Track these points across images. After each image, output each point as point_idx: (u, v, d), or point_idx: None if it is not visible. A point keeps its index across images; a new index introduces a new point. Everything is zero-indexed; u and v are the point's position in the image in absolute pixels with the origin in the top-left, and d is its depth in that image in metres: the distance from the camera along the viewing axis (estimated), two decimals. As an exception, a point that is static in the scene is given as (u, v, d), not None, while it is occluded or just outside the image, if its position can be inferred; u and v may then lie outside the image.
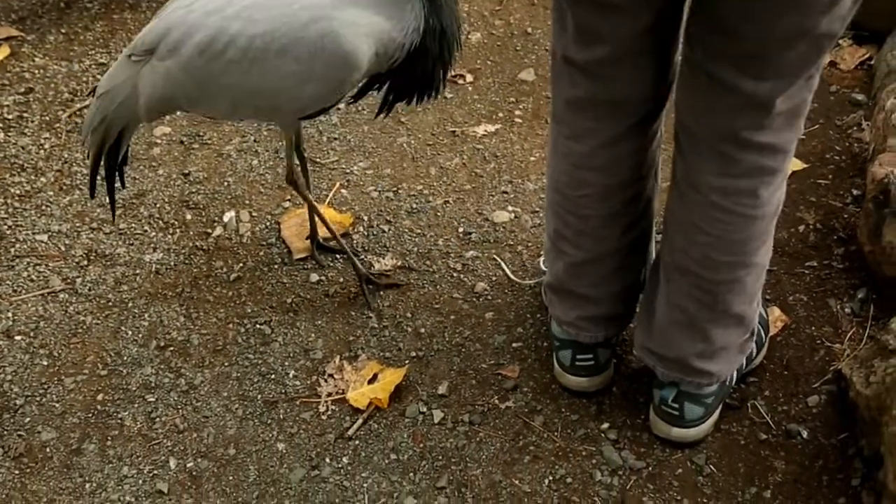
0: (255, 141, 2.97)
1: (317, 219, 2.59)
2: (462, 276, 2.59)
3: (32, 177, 2.90)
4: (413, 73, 2.15)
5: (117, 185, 2.40)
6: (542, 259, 2.50)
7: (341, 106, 3.04)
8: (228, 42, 2.09)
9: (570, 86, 1.99)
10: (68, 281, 2.61)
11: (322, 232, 2.66)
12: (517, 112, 3.01)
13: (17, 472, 2.21)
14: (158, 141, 3.00)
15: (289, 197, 2.81)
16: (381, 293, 2.53)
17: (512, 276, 2.58)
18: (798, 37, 1.72)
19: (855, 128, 2.93)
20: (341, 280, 2.59)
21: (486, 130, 2.95)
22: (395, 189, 2.83)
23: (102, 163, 2.34)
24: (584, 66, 1.93)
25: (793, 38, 1.73)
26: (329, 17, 2.07)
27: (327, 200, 2.79)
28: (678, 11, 1.88)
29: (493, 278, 2.57)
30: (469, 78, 3.10)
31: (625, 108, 1.98)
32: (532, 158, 2.89)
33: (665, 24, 1.88)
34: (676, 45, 1.96)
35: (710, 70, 1.82)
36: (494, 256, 2.65)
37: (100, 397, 2.34)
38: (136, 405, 2.32)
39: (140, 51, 2.18)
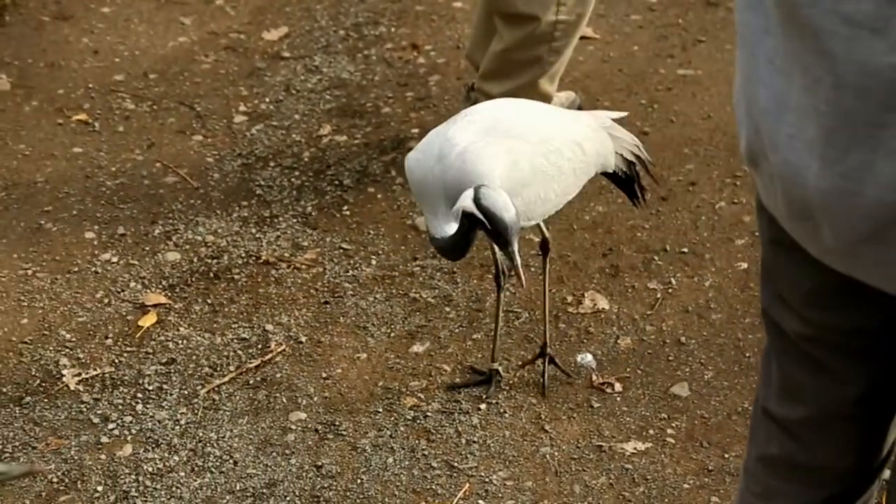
0: (391, 436, 2.87)
1: None
2: None
3: (166, 454, 2.83)
4: None
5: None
6: None
7: (482, 406, 2.94)
8: None
9: (765, 441, 1.84)
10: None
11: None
12: (669, 430, 2.85)
13: None
14: (293, 427, 2.92)
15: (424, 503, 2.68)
16: None
17: None
18: None
19: None
20: None
21: (635, 448, 2.80)
22: (536, 506, 2.68)
23: None
24: (783, 422, 1.79)
25: None
26: None
27: (464, 512, 2.65)
28: None
29: None
30: (618, 387, 2.98)
31: (824, 476, 1.81)
32: (686, 486, 2.71)
33: (883, 395, 1.73)
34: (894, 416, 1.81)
35: None
36: None
37: None
38: None
39: None
